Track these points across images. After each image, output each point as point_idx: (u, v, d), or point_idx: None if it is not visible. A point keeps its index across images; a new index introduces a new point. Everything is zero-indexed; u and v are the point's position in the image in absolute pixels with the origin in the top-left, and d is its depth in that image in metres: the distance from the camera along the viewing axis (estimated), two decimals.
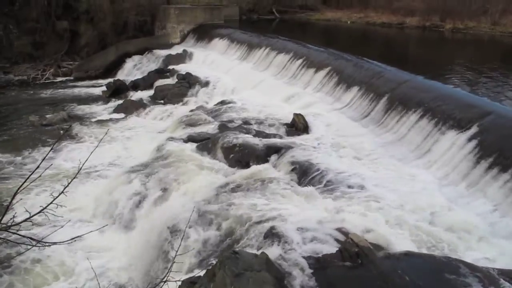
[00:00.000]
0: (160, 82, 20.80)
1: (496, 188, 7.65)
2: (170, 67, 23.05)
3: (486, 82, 13.90)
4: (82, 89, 23.42)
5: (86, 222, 9.99)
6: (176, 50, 25.80)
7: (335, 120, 12.34)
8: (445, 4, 30.51)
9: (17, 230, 2.88)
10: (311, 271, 5.45)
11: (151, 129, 15.65)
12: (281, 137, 11.50)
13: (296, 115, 12.46)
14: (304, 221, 6.89)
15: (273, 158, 10.18)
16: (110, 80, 23.00)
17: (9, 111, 18.88)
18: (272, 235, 6.43)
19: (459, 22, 28.68)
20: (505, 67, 16.94)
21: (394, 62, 15.02)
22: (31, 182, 2.86)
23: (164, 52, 25.51)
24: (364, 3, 37.46)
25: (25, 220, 3.03)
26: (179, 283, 5.16)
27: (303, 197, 8.07)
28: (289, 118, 12.73)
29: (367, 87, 13.12)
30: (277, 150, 10.39)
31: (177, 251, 4.72)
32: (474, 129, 8.91)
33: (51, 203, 2.85)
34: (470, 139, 8.79)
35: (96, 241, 8.95)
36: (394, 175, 8.91)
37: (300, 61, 17.34)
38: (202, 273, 5.81)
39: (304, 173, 9.07)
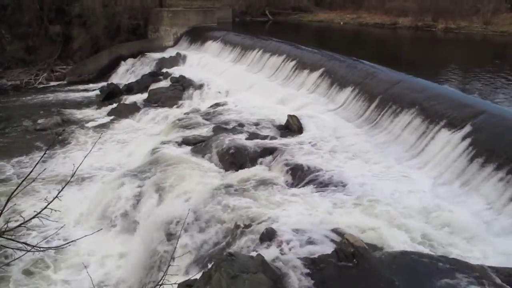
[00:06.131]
0: (153, 86, 20.75)
1: (490, 186, 7.68)
2: (164, 70, 22.98)
3: (478, 81, 14.00)
4: (76, 93, 23.33)
5: (80, 227, 9.96)
6: (169, 53, 25.76)
7: (329, 121, 12.34)
8: (437, 4, 30.71)
9: (12, 236, 2.86)
10: (307, 271, 5.45)
11: (146, 132, 15.61)
12: (275, 138, 11.48)
13: (290, 116, 12.46)
14: (299, 222, 6.91)
15: (268, 159, 10.18)
16: (104, 84, 22.95)
17: (2, 116, 18.75)
18: (268, 237, 6.44)
19: (451, 22, 28.90)
20: (497, 66, 17.06)
21: (387, 62, 15.09)
22: (24, 187, 2.84)
23: (157, 55, 25.47)
24: (357, 4, 37.62)
25: (19, 226, 3.01)
26: (175, 286, 5.15)
27: (298, 198, 8.07)
28: (283, 120, 12.73)
29: (360, 87, 13.14)
30: (271, 151, 10.40)
31: (172, 254, 4.72)
32: (467, 128, 8.94)
33: (45, 208, 2.84)
34: (463, 138, 8.82)
35: (91, 245, 8.92)
36: (388, 175, 8.93)
37: (293, 62, 17.34)
38: (198, 275, 5.80)
39: (299, 174, 9.08)
